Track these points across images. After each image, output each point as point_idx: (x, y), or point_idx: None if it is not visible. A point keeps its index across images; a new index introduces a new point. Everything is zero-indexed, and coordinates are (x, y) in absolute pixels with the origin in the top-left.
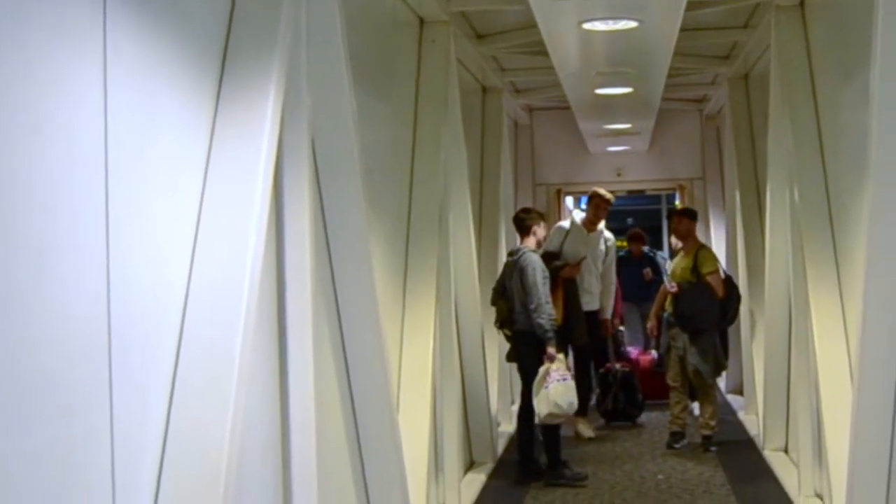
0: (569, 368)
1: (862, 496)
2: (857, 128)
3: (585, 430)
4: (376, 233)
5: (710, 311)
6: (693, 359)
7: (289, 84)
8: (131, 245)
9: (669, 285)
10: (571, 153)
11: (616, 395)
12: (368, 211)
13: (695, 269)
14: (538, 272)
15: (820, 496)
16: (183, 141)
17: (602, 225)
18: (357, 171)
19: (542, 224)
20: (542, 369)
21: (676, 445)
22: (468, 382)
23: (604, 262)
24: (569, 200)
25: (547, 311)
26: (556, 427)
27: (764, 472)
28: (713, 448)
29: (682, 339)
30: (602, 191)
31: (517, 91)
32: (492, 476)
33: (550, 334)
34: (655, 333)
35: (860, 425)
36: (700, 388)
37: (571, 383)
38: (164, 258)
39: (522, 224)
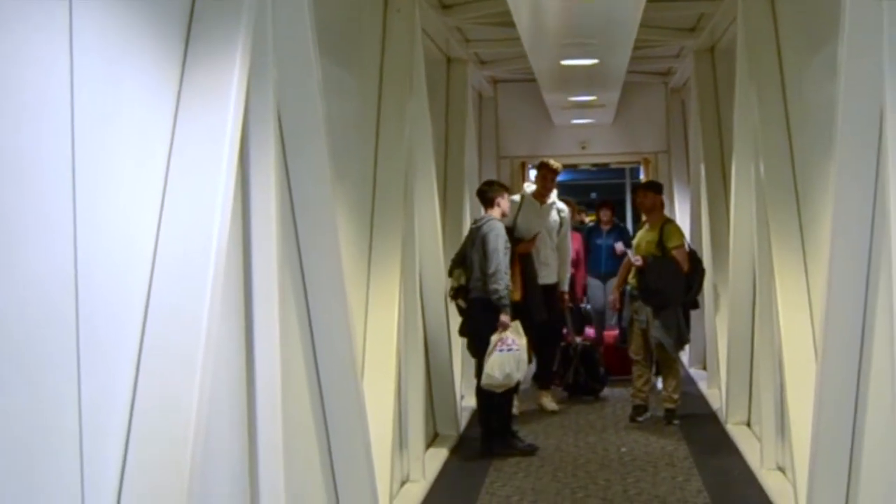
0: (519, 334)
1: (824, 469)
2: (823, 101)
3: (549, 403)
4: (342, 204)
5: (676, 286)
6: (657, 332)
7: (255, 53)
8: (98, 214)
9: (634, 259)
10: (536, 126)
11: (577, 369)
12: (334, 181)
13: (660, 243)
14: (500, 240)
15: (782, 469)
16: (149, 111)
17: (554, 196)
18: (323, 142)
19: (506, 196)
20: (494, 337)
21: (639, 419)
22: (432, 355)
23: (558, 233)
24: (533, 174)
25: (504, 280)
26: (508, 396)
27: (726, 446)
28: (676, 421)
29: (645, 313)
30: (550, 160)
31: (482, 62)
32: (455, 449)
33: (505, 301)
34: (618, 307)
35: (824, 399)
36: (663, 361)
37: (517, 353)
38: (131, 227)
39: (486, 196)
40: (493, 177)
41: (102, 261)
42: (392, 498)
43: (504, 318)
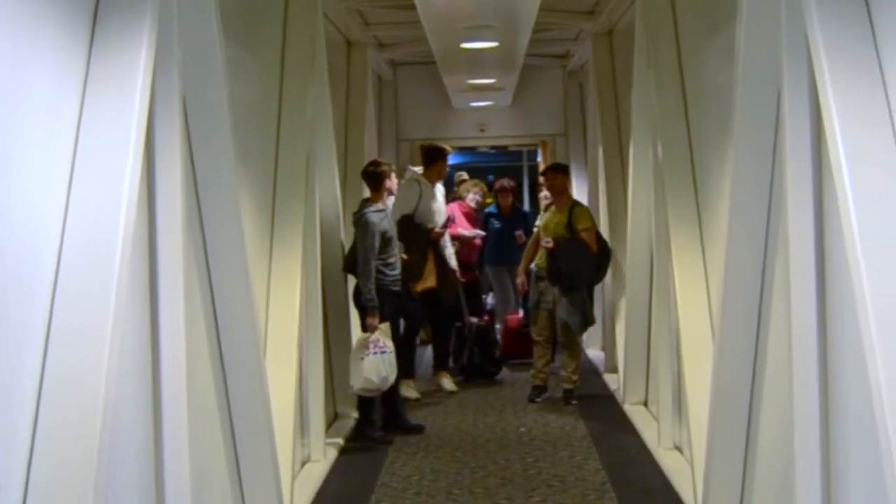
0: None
1: (721, 448)
2: (720, 84)
3: (448, 383)
4: (244, 186)
5: (587, 268)
6: (563, 313)
7: (160, 36)
8: (5, 194)
9: (545, 241)
10: (435, 108)
11: (472, 351)
12: (237, 164)
13: (569, 224)
14: (375, 237)
15: (679, 448)
16: (56, 92)
17: (408, 173)
18: (227, 124)
19: (393, 175)
20: (360, 337)
21: (538, 399)
22: (332, 338)
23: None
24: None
25: (370, 281)
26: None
27: (624, 426)
28: (574, 402)
29: (552, 294)
30: (440, 144)
31: (381, 46)
32: (355, 430)
33: (373, 304)
34: (526, 288)
35: (720, 379)
36: (567, 342)
37: (388, 356)
38: (39, 207)
39: (376, 177)
40: (394, 159)
41: (10, 240)
42: (294, 477)
43: (371, 320)
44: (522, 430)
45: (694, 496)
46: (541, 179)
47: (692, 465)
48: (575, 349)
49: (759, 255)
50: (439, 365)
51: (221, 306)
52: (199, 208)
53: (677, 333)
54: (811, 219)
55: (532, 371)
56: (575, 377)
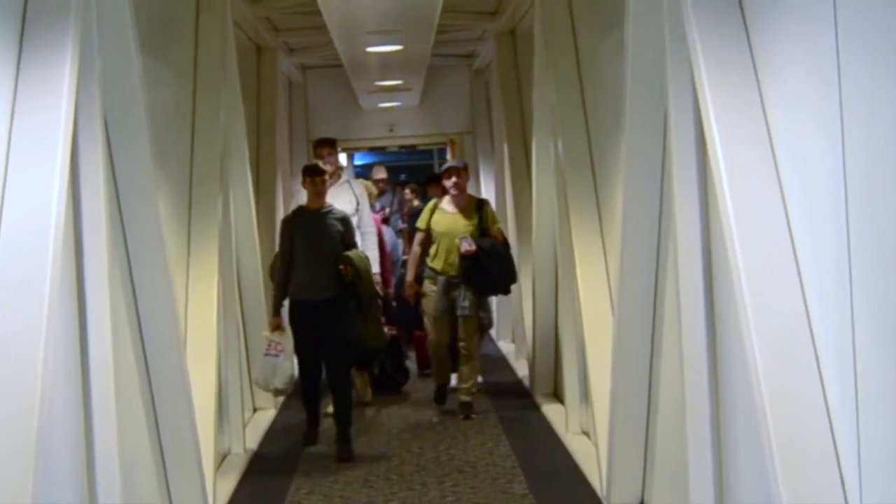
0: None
1: (623, 429)
2: (614, 81)
3: (364, 391)
4: (162, 187)
5: (511, 268)
6: (472, 310)
7: (83, 48)
8: None
9: (465, 244)
10: (344, 110)
11: (383, 363)
12: (155, 167)
13: (480, 224)
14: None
15: (586, 433)
16: None
17: (350, 174)
18: (145, 130)
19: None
20: (265, 334)
21: (444, 402)
22: (250, 334)
23: (356, 212)
24: (342, 157)
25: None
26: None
27: (534, 413)
28: (473, 416)
29: (469, 300)
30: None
31: (291, 50)
32: (274, 421)
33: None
34: (417, 300)
35: (619, 366)
36: (468, 352)
37: (277, 360)
38: None
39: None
40: (304, 161)
41: None
42: (216, 469)
43: (272, 318)
44: (435, 420)
45: (599, 477)
46: (450, 182)
47: (597, 448)
48: (475, 361)
49: (652, 246)
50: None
51: (143, 303)
52: (120, 210)
53: (580, 321)
54: (696, 208)
55: (435, 380)
56: (474, 390)
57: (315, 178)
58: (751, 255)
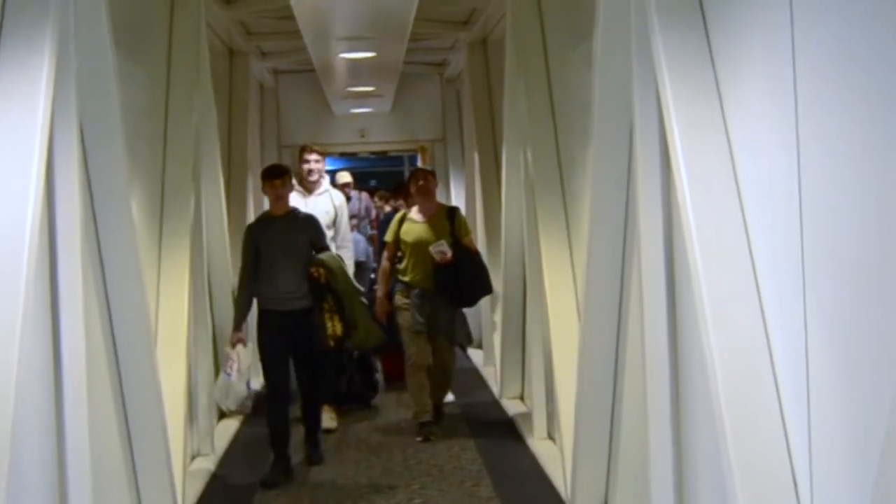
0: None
1: (587, 433)
2: (584, 91)
3: (329, 420)
4: (135, 189)
5: (488, 280)
6: (459, 333)
7: (60, 51)
8: None
9: (439, 253)
10: (316, 115)
11: (351, 378)
12: (129, 172)
13: (453, 233)
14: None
15: (552, 438)
16: None
17: (326, 184)
18: (119, 133)
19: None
20: (227, 349)
21: (431, 437)
22: (219, 335)
23: (334, 225)
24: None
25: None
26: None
27: (501, 419)
28: (431, 438)
29: (446, 314)
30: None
31: (263, 55)
32: (243, 424)
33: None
34: (390, 318)
35: (585, 372)
36: (447, 368)
37: (230, 381)
38: None
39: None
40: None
41: None
42: (185, 469)
43: (232, 334)
44: (404, 425)
45: (564, 480)
46: (416, 185)
47: (562, 453)
48: (448, 380)
49: (618, 253)
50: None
51: (115, 304)
52: (94, 211)
53: (547, 327)
54: (660, 217)
55: (416, 408)
56: (441, 402)
57: (275, 180)
58: (710, 264)
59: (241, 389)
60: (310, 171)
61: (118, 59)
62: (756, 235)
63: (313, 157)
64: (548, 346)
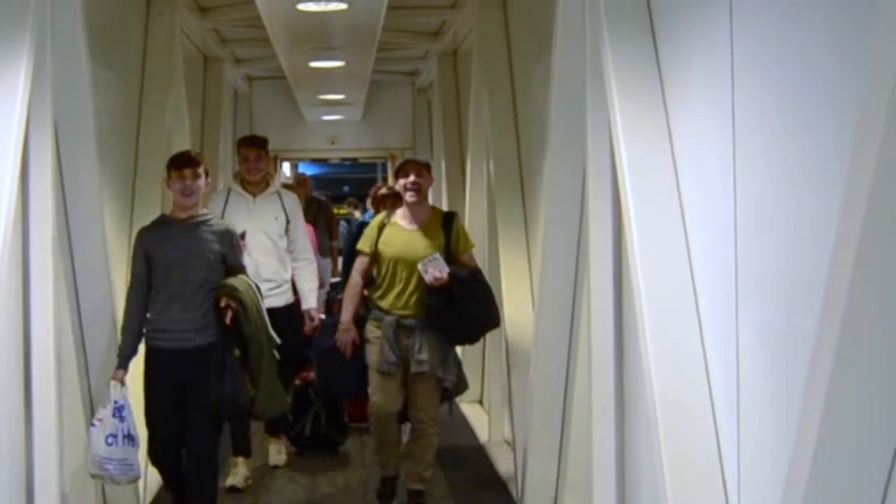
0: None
1: (539, 437)
2: (544, 104)
3: (276, 454)
4: (106, 190)
5: (495, 311)
6: (430, 367)
7: (37, 54)
8: None
9: (433, 273)
10: (288, 121)
11: (317, 416)
12: (101, 174)
13: (448, 247)
14: None
15: (508, 441)
16: None
17: (277, 185)
18: (92, 135)
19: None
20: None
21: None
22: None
23: (286, 233)
24: (285, 166)
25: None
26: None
27: (459, 423)
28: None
29: (427, 350)
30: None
31: (237, 61)
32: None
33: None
34: (354, 350)
35: (537, 374)
36: (427, 423)
37: (93, 433)
38: None
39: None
40: None
41: None
42: (146, 468)
43: (115, 371)
44: (364, 424)
45: (516, 484)
46: (406, 181)
47: (515, 456)
48: (432, 438)
49: (571, 263)
50: (271, 429)
51: (84, 302)
52: (66, 211)
53: (505, 333)
54: (609, 227)
55: (380, 458)
56: (427, 474)
57: (183, 170)
58: (651, 274)
59: (98, 445)
60: (249, 170)
61: (94, 65)
62: (695, 248)
63: (252, 153)
64: (505, 353)
